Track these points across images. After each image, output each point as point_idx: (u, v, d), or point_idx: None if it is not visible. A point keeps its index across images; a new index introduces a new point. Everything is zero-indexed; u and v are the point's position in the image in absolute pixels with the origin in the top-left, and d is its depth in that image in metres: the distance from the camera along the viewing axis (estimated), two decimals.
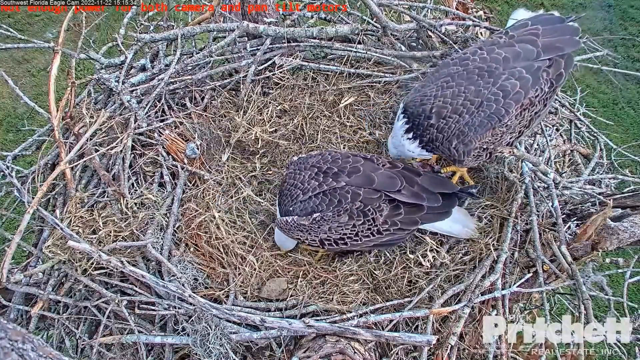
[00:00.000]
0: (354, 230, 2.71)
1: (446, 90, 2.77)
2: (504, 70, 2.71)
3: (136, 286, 2.72)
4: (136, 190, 3.10)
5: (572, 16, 2.92)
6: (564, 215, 2.88)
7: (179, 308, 2.57)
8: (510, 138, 2.80)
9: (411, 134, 2.87)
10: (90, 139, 3.17)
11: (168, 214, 3.01)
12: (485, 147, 2.77)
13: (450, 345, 2.55)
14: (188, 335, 2.52)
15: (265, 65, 3.67)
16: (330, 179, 2.71)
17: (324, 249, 2.90)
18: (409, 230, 2.78)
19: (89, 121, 3.22)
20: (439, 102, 2.76)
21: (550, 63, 2.75)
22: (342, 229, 2.71)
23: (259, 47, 3.66)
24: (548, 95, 2.78)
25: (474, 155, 2.78)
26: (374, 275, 2.87)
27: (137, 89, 3.47)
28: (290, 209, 2.77)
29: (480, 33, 3.76)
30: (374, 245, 2.83)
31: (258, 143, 3.41)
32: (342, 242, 2.75)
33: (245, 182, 3.34)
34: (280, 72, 3.65)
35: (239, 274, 2.86)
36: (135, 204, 2.98)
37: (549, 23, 2.89)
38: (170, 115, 3.47)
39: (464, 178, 3.21)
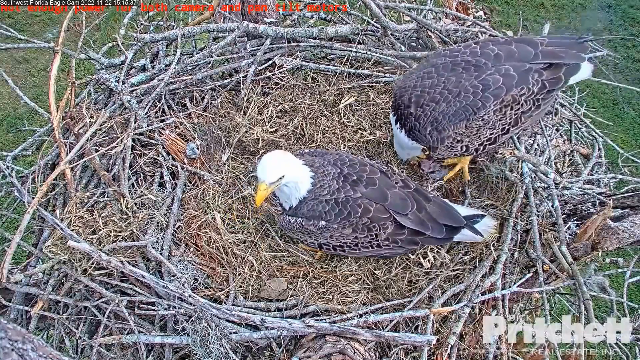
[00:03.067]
0: (355, 241, 2.70)
1: (426, 81, 2.82)
2: (492, 66, 2.73)
3: (136, 286, 2.72)
4: (136, 190, 3.10)
5: (589, 36, 2.91)
6: (564, 215, 2.88)
7: (179, 308, 2.57)
8: (491, 134, 2.80)
9: (399, 123, 2.94)
10: (90, 139, 3.17)
11: (168, 214, 3.01)
12: (459, 138, 2.79)
13: (450, 345, 2.55)
14: (188, 335, 2.52)
15: (266, 65, 3.67)
16: (349, 186, 2.64)
17: (321, 251, 2.90)
18: (407, 249, 2.77)
19: (89, 121, 3.22)
20: (417, 92, 2.82)
21: (547, 66, 2.74)
22: (344, 239, 2.69)
23: (259, 47, 3.66)
24: (540, 96, 2.76)
25: (447, 144, 2.81)
26: (374, 275, 2.87)
27: (137, 89, 3.48)
28: (297, 204, 2.70)
29: (481, 33, 3.77)
30: (370, 255, 2.84)
31: (259, 143, 3.41)
32: (340, 249, 2.75)
33: (245, 182, 3.34)
34: (280, 72, 3.65)
35: (239, 274, 2.86)
36: (135, 204, 2.98)
37: (559, 38, 2.90)
38: (170, 115, 3.47)
39: (463, 172, 3.22)
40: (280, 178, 2.49)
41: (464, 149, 2.86)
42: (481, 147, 2.88)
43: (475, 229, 2.76)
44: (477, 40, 2.95)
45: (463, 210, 2.84)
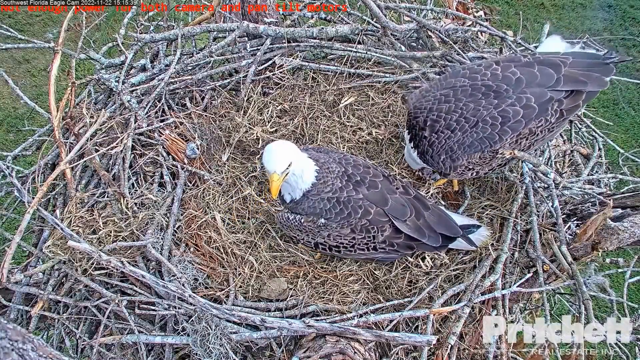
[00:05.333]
0: (352, 242, 2.69)
1: (443, 105, 2.75)
2: (512, 93, 2.63)
3: (136, 286, 2.72)
4: (136, 190, 3.10)
5: (614, 55, 2.74)
6: (564, 215, 2.88)
7: (179, 308, 2.57)
8: (503, 160, 2.78)
9: (412, 142, 2.91)
10: (90, 139, 3.17)
11: (168, 214, 3.01)
12: (471, 167, 2.77)
13: (450, 345, 2.55)
14: (188, 335, 2.52)
15: (266, 65, 3.67)
16: (352, 187, 2.64)
17: (316, 251, 2.90)
18: (403, 253, 2.78)
19: (89, 121, 3.22)
20: (433, 116, 2.75)
21: (568, 94, 2.65)
22: (341, 239, 2.69)
23: (259, 47, 3.66)
24: (555, 125, 2.72)
25: (458, 172, 2.80)
26: (374, 275, 2.87)
27: (137, 89, 3.48)
28: (299, 198, 2.68)
29: (481, 33, 3.77)
30: (366, 258, 2.83)
31: (259, 143, 3.41)
32: (337, 249, 2.74)
33: (245, 182, 3.34)
34: (281, 72, 3.65)
35: (239, 274, 2.86)
36: (136, 204, 2.98)
37: (583, 57, 2.77)
38: (171, 115, 3.47)
39: (453, 182, 3.22)
40: (289, 166, 2.45)
41: (474, 174, 2.85)
42: (490, 171, 2.89)
43: (470, 239, 2.78)
44: (498, 60, 2.83)
45: (460, 220, 2.85)
